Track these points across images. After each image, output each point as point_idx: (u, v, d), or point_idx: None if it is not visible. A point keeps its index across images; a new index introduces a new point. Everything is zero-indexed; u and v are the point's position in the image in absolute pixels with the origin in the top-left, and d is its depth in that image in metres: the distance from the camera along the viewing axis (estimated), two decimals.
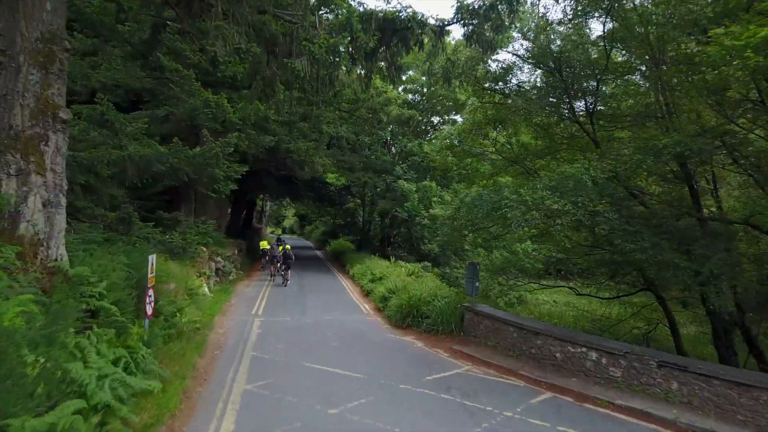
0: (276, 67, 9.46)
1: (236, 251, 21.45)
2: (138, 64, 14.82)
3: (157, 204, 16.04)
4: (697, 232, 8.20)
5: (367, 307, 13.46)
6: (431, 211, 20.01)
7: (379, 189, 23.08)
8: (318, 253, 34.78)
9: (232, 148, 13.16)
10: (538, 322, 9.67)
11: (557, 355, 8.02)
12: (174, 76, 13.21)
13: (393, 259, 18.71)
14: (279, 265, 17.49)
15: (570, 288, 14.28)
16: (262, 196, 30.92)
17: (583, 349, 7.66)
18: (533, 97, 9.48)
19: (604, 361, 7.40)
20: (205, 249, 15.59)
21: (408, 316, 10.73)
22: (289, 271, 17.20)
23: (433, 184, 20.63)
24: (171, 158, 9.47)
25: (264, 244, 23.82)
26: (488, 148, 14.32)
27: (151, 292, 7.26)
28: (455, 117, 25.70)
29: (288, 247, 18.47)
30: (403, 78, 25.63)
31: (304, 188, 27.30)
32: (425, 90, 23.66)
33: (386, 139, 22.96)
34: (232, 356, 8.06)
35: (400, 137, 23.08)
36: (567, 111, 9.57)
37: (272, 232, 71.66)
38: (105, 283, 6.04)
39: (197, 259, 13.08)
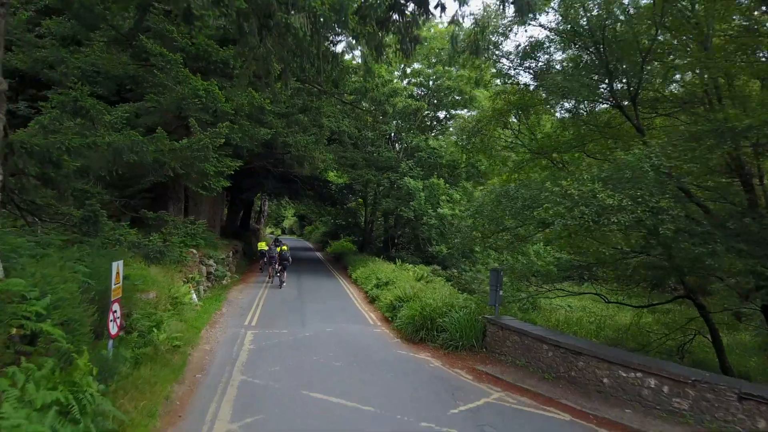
0: (270, 45, 8.20)
1: (231, 253, 20.15)
2: (121, 50, 13.59)
3: (143, 202, 14.80)
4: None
5: (373, 316, 12.16)
6: (439, 210, 18.73)
7: (382, 187, 21.80)
8: (318, 254, 33.48)
9: (223, 140, 11.88)
10: (579, 339, 8.38)
11: (605, 380, 6.72)
12: (159, 61, 11.93)
13: (399, 262, 17.41)
14: (276, 266, 16.75)
15: (598, 295, 12.98)
16: (260, 195, 29.62)
17: (638, 374, 6.36)
18: (568, 77, 8.21)
19: (665, 389, 6.10)
20: (195, 251, 14.31)
21: (421, 329, 9.42)
22: (285, 273, 16.59)
23: (441, 182, 19.36)
24: (147, 147, 8.16)
25: (262, 245, 22.81)
26: (507, 140, 13.01)
27: (116, 306, 5.97)
28: (462, 112, 24.38)
29: (285, 248, 17.46)
30: (408, 71, 24.37)
31: (303, 187, 26.01)
32: (431, 83, 22.34)
33: (390, 135, 21.61)
34: (217, 381, 6.76)
35: (405, 132, 21.79)
36: (607, 93, 8.29)
37: (272, 233, 70.45)
38: (48, 298, 4.74)
39: (186, 262, 11.79)
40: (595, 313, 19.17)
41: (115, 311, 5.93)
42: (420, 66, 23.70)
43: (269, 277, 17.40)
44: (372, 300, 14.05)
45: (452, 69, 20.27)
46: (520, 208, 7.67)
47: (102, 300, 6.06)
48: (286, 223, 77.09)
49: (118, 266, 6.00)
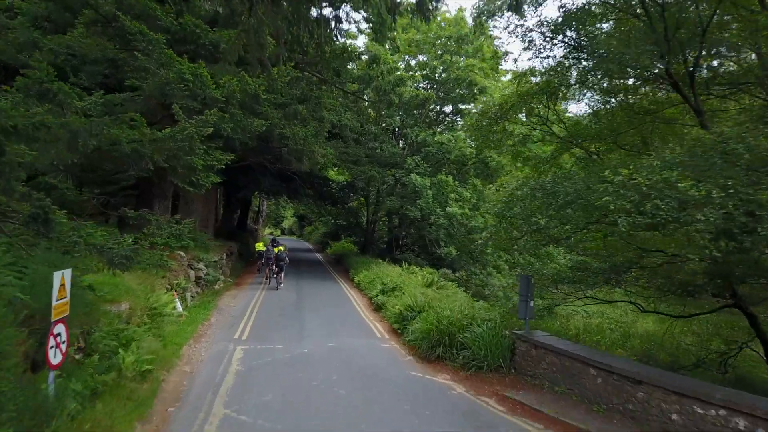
0: (262, 12, 6.95)
1: (225, 255, 18.87)
2: (101, 31, 12.33)
3: (126, 200, 13.53)
4: None
5: (380, 327, 10.86)
6: (448, 209, 17.44)
7: (386, 185, 20.52)
8: (318, 256, 32.19)
9: (211, 129, 10.58)
10: (635, 363, 7.06)
11: (674, 416, 5.42)
12: (140, 42, 10.65)
13: (405, 265, 16.12)
14: (273, 267, 16.19)
15: (633, 304, 11.67)
16: (258, 194, 28.35)
17: (722, 412, 5.06)
18: (612, 51, 6.91)
19: None
20: (183, 254, 13.03)
21: (438, 346, 8.13)
22: (283, 274, 16.05)
23: (450, 179, 18.08)
24: (111, 131, 6.88)
25: (260, 246, 21.52)
26: (532, 128, 11.72)
27: (60, 328, 4.68)
28: (470, 107, 23.08)
29: (281, 248, 16.89)
30: (413, 63, 23.08)
31: (302, 185, 24.72)
32: (437, 75, 21.05)
33: (395, 129, 20.30)
34: (193, 417, 5.46)
35: (410, 127, 20.48)
36: (662, 69, 6.98)
37: (271, 234, 69.21)
38: None
39: (168, 267, 10.49)
40: (614, 319, 17.88)
41: (59, 334, 4.64)
42: (426, 58, 22.40)
43: (266, 279, 16.68)
44: (378, 308, 12.75)
45: (460, 58, 19.01)
46: (562, 204, 6.37)
47: (45, 320, 4.79)
48: (286, 224, 75.83)
49: (62, 276, 4.72)
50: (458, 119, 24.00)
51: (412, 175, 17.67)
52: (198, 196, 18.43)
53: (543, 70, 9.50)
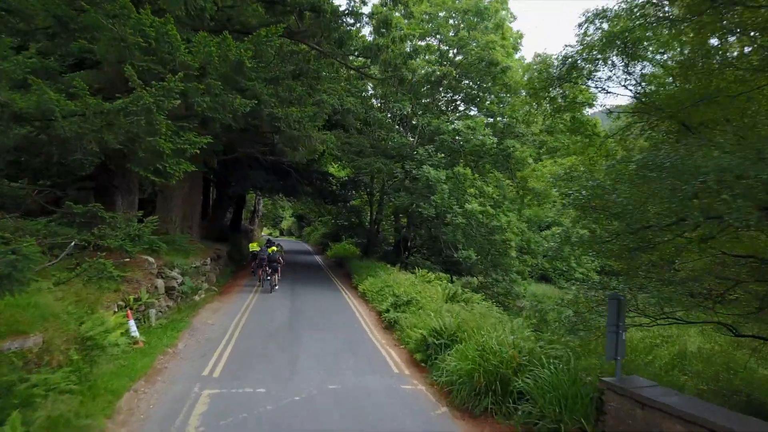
0: None
1: (210, 259, 16.49)
2: None
3: (81, 194, 11.21)
4: None
5: (395, 356, 8.43)
6: (467, 206, 15.07)
7: (395, 179, 18.14)
8: (317, 258, 29.80)
9: (177, 100, 8.24)
10: None
11: None
12: None
13: (418, 271, 13.73)
14: (266, 268, 15.10)
15: (726, 326, 9.26)
16: (252, 192, 25.97)
17: None
18: None
19: None
20: (152, 260, 10.65)
21: (485, 394, 5.75)
22: (276, 276, 15.06)
23: (468, 171, 15.70)
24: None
25: (254, 246, 19.21)
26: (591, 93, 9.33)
27: None
28: (486, 94, 20.62)
29: (274, 249, 15.75)
30: (422, 44, 20.66)
31: (300, 181, 22.35)
32: (453, 55, 18.54)
33: (404, 115, 17.92)
34: None
35: (421, 113, 18.09)
36: None
37: (269, 235, 66.93)
38: None
39: (116, 279, 8.08)
40: (663, 335, 15.48)
41: None
42: (438, 40, 19.98)
43: (259, 281, 15.50)
44: (389, 325, 10.37)
45: (479, 35, 16.65)
46: (689, 193, 4.00)
47: None
48: (285, 224, 73.57)
49: None
50: (472, 109, 21.58)
51: (424, 167, 15.30)
52: (179, 192, 16.11)
53: (621, 11, 7.07)
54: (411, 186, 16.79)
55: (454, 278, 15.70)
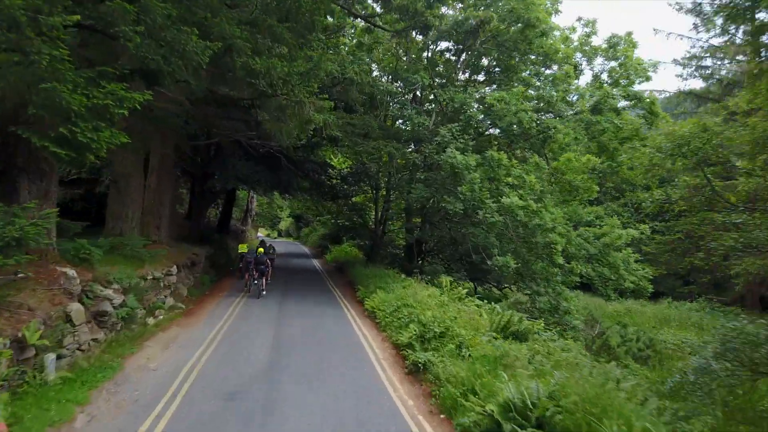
0: None
1: (181, 266, 13.23)
2: None
3: None
4: None
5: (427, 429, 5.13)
6: (504, 200, 11.76)
7: (406, 171, 14.84)
8: (315, 263, 26.48)
9: (76, 18, 5.03)
10: None
11: None
12: None
13: (448, 282, 10.36)
14: (252, 271, 13.88)
15: None
16: (239, 186, 22.63)
17: None
18: None
19: None
20: (73, 272, 7.35)
21: None
22: (264, 280, 13.83)
23: (503, 156, 12.36)
24: None
25: (243, 248, 16.96)
26: None
27: None
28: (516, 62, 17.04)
29: (261, 250, 14.20)
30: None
31: (294, 173, 19.05)
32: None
33: (423, 85, 14.53)
34: None
35: (442, 87, 14.73)
36: None
37: (267, 236, 63.66)
38: None
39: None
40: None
41: None
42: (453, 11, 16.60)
43: (246, 286, 14.11)
44: (415, 369, 7.05)
45: None
46: None
47: None
48: (283, 225, 70.28)
49: None
50: (492, 88, 18.20)
51: (449, 150, 11.96)
52: (138, 182, 12.82)
53: None
54: (430, 176, 13.47)
55: (515, 300, 12.42)
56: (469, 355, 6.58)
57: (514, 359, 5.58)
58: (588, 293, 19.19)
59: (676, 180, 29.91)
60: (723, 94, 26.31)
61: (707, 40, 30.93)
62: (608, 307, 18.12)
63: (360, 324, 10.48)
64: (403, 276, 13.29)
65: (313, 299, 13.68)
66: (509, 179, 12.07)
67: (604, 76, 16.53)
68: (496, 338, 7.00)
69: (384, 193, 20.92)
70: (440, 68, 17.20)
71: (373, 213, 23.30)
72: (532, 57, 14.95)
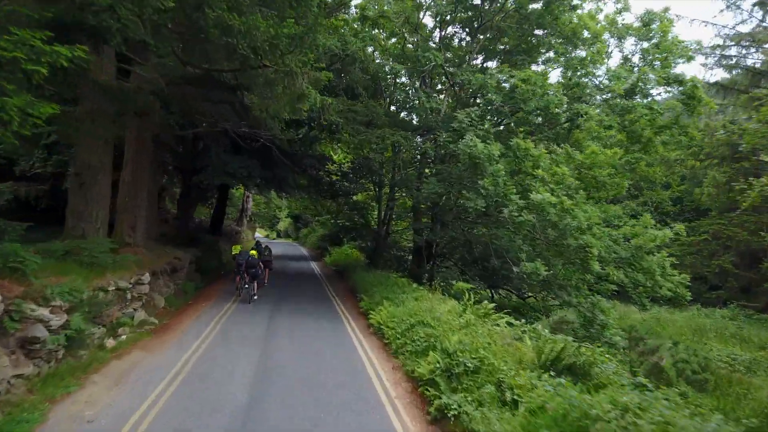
0: None
1: (158, 272, 11.51)
2: None
3: None
4: None
5: None
6: (533, 196, 9.99)
7: (413, 164, 13.05)
8: (313, 266, 24.70)
9: None
10: None
11: None
12: None
13: (468, 295, 8.56)
14: (243, 274, 13.00)
15: None
16: (229, 181, 20.82)
17: None
18: None
19: None
20: None
21: None
22: (256, 284, 13.14)
23: (531, 145, 10.57)
24: None
25: (236, 249, 15.32)
26: None
27: None
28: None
29: (254, 253, 13.21)
30: None
31: (290, 168, 17.30)
32: None
33: (434, 67, 12.72)
34: None
35: (456, 66, 12.96)
36: None
37: (266, 236, 61.99)
38: None
39: None
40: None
41: None
42: None
43: (237, 289, 13.30)
44: (440, 416, 5.29)
45: None
46: None
47: None
48: (281, 226, 68.58)
49: None
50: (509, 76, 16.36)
51: (467, 136, 10.15)
52: (105, 175, 11.06)
53: None
54: (444, 170, 11.69)
55: (562, 318, 10.64)
56: (515, 400, 4.84)
57: (595, 419, 3.82)
58: (611, 300, 17.41)
59: (701, 178, 27.91)
60: (750, 84, 24.65)
61: (734, 27, 29.05)
62: (633, 316, 16.37)
63: (365, 345, 8.68)
64: (413, 285, 11.52)
65: (310, 311, 11.91)
66: (538, 172, 10.30)
67: (635, 59, 14.75)
68: (549, 375, 5.24)
69: (387, 190, 19.15)
70: (450, 54, 15.38)
71: (376, 212, 21.54)
72: (556, 40, 13.11)
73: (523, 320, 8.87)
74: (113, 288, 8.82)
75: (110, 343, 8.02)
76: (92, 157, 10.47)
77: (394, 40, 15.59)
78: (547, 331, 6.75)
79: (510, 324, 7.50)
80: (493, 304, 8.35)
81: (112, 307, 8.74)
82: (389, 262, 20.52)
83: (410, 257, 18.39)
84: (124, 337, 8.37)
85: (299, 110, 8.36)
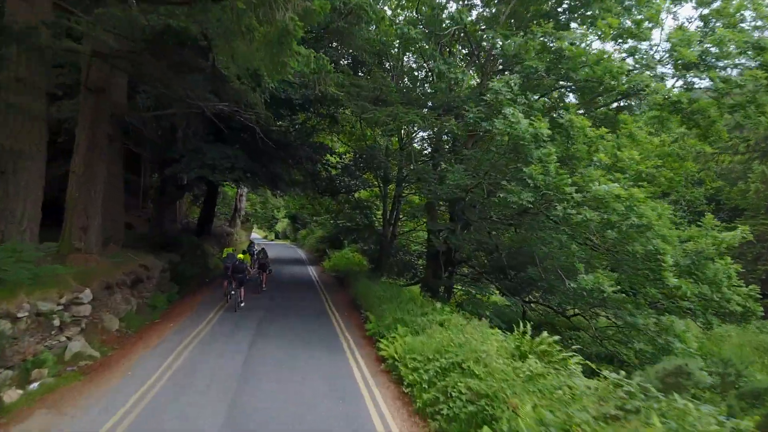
0: None
1: (118, 284, 9.09)
2: None
3: None
4: None
5: None
6: (595, 187, 7.55)
7: (424, 157, 10.49)
8: (311, 271, 22.20)
9: None
10: None
11: None
12: None
13: (521, 325, 6.12)
14: (230, 279, 11.94)
15: None
16: (210, 175, 18.35)
17: None
18: None
19: None
20: None
21: None
22: (242, 290, 11.99)
23: (587, 122, 8.11)
24: None
25: (228, 251, 13.83)
26: None
27: None
28: None
29: (241, 256, 12.24)
30: None
31: (282, 159, 14.90)
32: None
33: (456, 30, 10.20)
34: None
35: (488, 29, 10.50)
36: None
37: (265, 238, 59.67)
38: None
39: None
40: None
41: None
42: None
43: (225, 295, 12.30)
44: None
45: None
46: None
47: None
48: (279, 227, 66.18)
49: None
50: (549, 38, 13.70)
51: (507, 111, 7.64)
52: (36, 164, 8.61)
53: None
54: (471, 156, 9.21)
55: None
56: None
57: None
58: (661, 316, 14.96)
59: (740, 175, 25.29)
60: None
61: None
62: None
63: (376, 394, 6.21)
64: (434, 303, 9.05)
65: (304, 336, 9.42)
66: (600, 156, 7.88)
67: (692, 27, 12.33)
68: None
69: (394, 186, 16.71)
70: (474, 17, 12.52)
71: (381, 211, 19.08)
72: None
73: (573, 345, 6.36)
74: (28, 313, 6.39)
75: (11, 395, 5.59)
76: (16, 142, 8.05)
77: None
78: (654, 389, 4.25)
79: (597, 373, 4.99)
80: (556, 337, 5.87)
81: (24, 341, 6.31)
82: (396, 267, 18.09)
83: (420, 262, 15.93)
84: (36, 385, 5.93)
85: (284, 66, 5.91)
